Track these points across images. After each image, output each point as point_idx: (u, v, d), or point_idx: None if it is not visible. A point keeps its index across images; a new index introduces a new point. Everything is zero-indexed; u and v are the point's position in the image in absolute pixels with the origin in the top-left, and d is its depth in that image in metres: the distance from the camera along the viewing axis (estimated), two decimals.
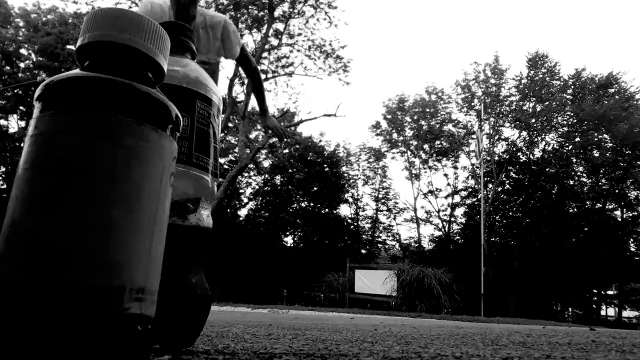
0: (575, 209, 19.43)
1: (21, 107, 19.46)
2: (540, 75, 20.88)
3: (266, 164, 23.53)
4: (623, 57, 58.50)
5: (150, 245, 0.30)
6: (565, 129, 20.75)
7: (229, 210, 23.13)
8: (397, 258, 21.90)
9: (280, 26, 14.33)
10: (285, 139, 2.24)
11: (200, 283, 0.49)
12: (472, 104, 22.01)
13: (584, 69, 21.24)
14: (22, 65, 19.91)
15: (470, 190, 23.23)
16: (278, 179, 23.63)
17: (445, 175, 23.77)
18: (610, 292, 22.76)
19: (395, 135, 23.72)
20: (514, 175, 22.31)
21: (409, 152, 23.90)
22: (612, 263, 19.45)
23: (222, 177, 14.66)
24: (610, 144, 19.67)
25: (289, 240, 23.58)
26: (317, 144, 23.71)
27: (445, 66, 52.06)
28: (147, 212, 0.30)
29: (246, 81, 13.78)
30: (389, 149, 23.96)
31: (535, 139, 21.38)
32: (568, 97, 20.72)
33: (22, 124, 19.87)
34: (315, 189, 23.03)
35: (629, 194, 19.91)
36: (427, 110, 23.14)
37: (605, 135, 19.69)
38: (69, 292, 0.26)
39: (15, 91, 18.59)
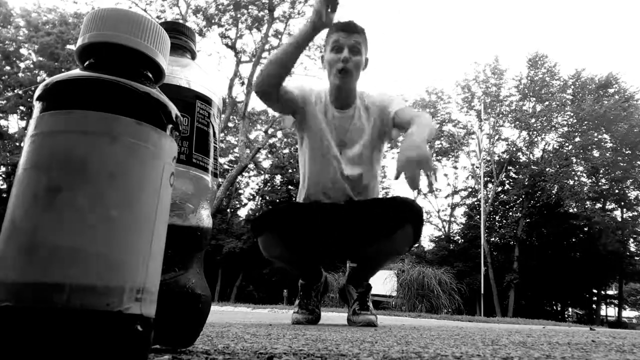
0: (575, 209, 19.42)
1: (21, 107, 19.46)
2: (540, 75, 20.88)
3: (266, 164, 23.53)
4: (622, 58, 58.53)
5: (150, 245, 0.30)
6: (565, 129, 20.75)
7: (229, 210, 23.13)
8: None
9: (280, 26, 14.34)
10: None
11: (200, 283, 0.49)
12: (472, 104, 22.02)
13: (583, 69, 21.28)
14: (22, 65, 19.91)
15: (470, 190, 23.25)
16: (278, 179, 23.63)
17: (445, 175, 23.76)
18: (610, 292, 22.77)
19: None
20: (514, 175, 22.32)
21: None
22: (612, 263, 19.45)
23: (222, 177, 14.66)
24: (610, 144, 19.67)
25: None
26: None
27: (445, 66, 52.09)
28: (147, 211, 0.30)
29: (246, 81, 13.79)
30: (389, 149, 23.95)
31: (535, 139, 21.39)
32: (568, 97, 20.72)
33: (22, 124, 19.89)
34: None
35: (629, 194, 19.92)
36: (427, 110, 23.14)
37: (605, 135, 19.70)
38: (68, 292, 0.26)
39: (15, 91, 18.59)
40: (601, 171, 19.70)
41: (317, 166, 1.71)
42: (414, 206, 1.57)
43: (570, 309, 23.57)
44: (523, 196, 20.49)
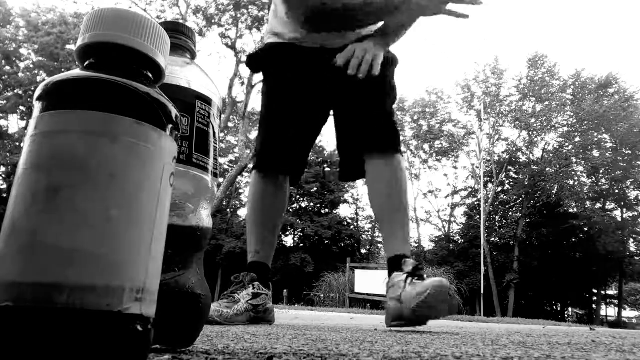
0: (575, 209, 19.42)
1: (21, 107, 19.46)
2: (540, 75, 20.89)
3: None
4: (622, 58, 58.55)
5: (150, 245, 0.30)
6: (565, 129, 20.76)
7: (229, 210, 23.13)
8: None
9: None
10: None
11: (200, 283, 0.49)
12: (472, 104, 22.03)
13: (583, 69, 21.28)
14: (22, 65, 19.92)
15: (470, 190, 23.26)
16: None
17: (445, 175, 23.79)
18: (610, 292, 22.78)
19: None
20: (514, 175, 22.32)
21: (409, 152, 23.91)
22: (612, 263, 19.46)
23: (222, 177, 14.66)
24: (610, 144, 19.68)
25: (288, 240, 23.60)
26: (317, 144, 23.72)
27: (445, 66, 52.10)
28: (147, 212, 0.30)
29: (246, 81, 13.78)
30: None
31: (535, 139, 21.40)
32: (568, 97, 20.72)
33: (22, 124, 19.90)
34: (315, 189, 23.04)
35: (629, 194, 19.93)
36: (427, 110, 23.15)
37: (605, 135, 19.71)
38: (68, 292, 0.26)
39: (15, 91, 18.59)
40: (601, 171, 19.70)
41: None
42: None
43: (570, 309, 23.58)
44: (523, 196, 20.49)
